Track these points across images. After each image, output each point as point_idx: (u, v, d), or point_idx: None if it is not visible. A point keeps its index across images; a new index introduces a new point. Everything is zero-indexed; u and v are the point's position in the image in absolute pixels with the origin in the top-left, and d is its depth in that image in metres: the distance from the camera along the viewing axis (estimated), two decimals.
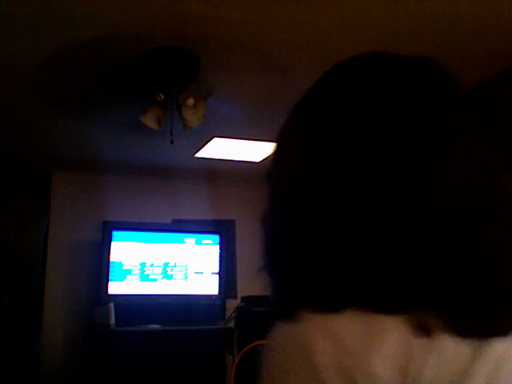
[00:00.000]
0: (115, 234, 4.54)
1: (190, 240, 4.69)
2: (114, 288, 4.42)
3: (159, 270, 4.57)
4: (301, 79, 3.06)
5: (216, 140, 4.06)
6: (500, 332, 0.47)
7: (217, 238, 4.68)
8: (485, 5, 2.32)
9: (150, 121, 2.92)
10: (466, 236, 0.50)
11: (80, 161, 4.67)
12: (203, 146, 4.24)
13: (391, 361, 0.45)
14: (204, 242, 4.68)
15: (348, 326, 0.47)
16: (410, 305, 0.47)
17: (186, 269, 4.63)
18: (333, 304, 0.48)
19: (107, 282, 4.41)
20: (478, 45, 2.68)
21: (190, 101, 2.77)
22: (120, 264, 4.49)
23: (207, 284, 4.60)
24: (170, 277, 4.59)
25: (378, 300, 0.48)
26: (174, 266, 4.61)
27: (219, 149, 4.28)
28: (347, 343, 0.46)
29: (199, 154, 4.43)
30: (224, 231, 4.73)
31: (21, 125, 3.77)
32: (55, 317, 4.63)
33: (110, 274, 4.43)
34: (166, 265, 4.60)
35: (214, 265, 4.64)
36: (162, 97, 2.80)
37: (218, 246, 4.67)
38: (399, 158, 0.52)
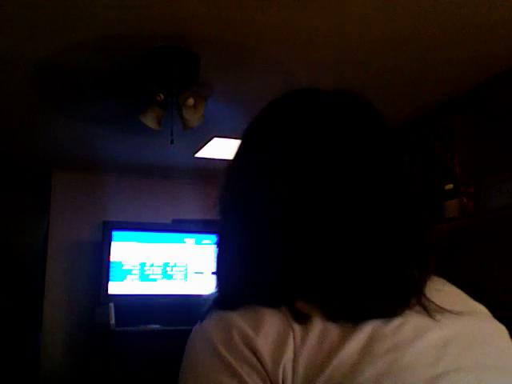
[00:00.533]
0: (115, 234, 4.54)
1: (189, 240, 4.69)
2: (114, 288, 4.42)
3: (159, 270, 4.57)
4: (301, 79, 3.06)
5: (216, 140, 4.06)
6: (375, 315, 0.54)
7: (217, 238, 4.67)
8: (485, 5, 2.32)
9: (150, 121, 2.92)
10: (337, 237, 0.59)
11: (80, 161, 4.67)
12: (203, 146, 4.24)
13: (270, 341, 0.54)
14: (204, 241, 4.68)
15: (237, 318, 0.57)
16: (293, 298, 0.57)
17: (186, 269, 4.63)
18: (231, 303, 0.60)
19: (107, 281, 4.41)
20: (478, 45, 2.68)
21: (190, 101, 2.77)
22: (120, 264, 4.49)
23: (207, 284, 4.60)
24: (169, 277, 4.59)
25: (263, 297, 0.58)
26: (174, 265, 4.61)
27: (219, 149, 4.27)
28: (235, 329, 0.56)
29: (199, 154, 4.42)
30: None
31: (21, 125, 3.77)
32: (55, 317, 4.63)
33: (110, 274, 4.43)
34: (166, 265, 4.60)
35: (214, 265, 4.63)
36: (162, 97, 2.80)
37: None
38: (325, 179, 0.60)
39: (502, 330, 0.61)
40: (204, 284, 4.60)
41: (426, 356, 0.53)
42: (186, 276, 4.62)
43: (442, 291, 0.62)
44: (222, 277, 0.69)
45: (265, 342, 0.54)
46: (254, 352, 0.54)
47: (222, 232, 0.71)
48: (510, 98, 2.95)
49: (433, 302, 0.58)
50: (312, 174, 0.61)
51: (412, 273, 0.60)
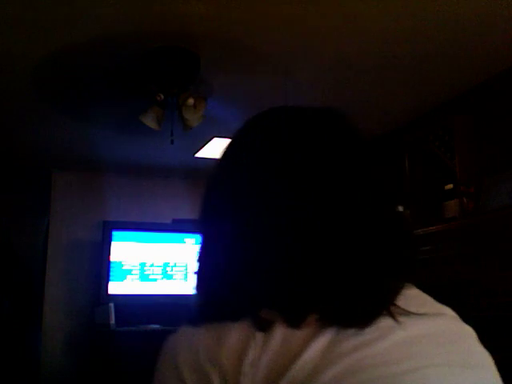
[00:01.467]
0: (115, 234, 4.54)
1: (189, 240, 4.69)
2: (114, 288, 4.42)
3: (159, 270, 4.57)
4: (301, 79, 3.06)
5: (216, 140, 4.06)
6: (338, 323, 0.55)
7: None
8: (485, 5, 2.32)
9: (150, 121, 2.92)
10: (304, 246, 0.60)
11: (80, 161, 4.67)
12: (203, 146, 4.24)
13: (232, 351, 0.57)
14: None
15: (200, 335, 0.62)
16: (258, 307, 0.59)
17: (186, 269, 4.63)
18: (196, 321, 0.65)
19: (107, 281, 4.41)
20: (478, 45, 2.68)
21: (190, 101, 2.77)
22: (120, 264, 4.49)
23: None
24: (170, 277, 4.59)
25: (225, 312, 0.61)
26: (174, 265, 4.61)
27: (219, 149, 4.26)
28: (199, 346, 0.61)
29: (199, 154, 4.43)
30: None
31: (21, 125, 3.77)
32: (55, 317, 4.63)
33: (110, 274, 4.43)
34: (166, 265, 4.60)
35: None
36: (162, 97, 2.80)
37: None
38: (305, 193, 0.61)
39: (468, 330, 0.60)
40: None
41: (389, 355, 0.53)
42: (185, 276, 4.62)
43: (407, 295, 0.60)
44: (200, 283, 0.70)
45: (227, 352, 0.58)
46: (217, 365, 0.57)
47: (205, 235, 0.71)
48: (510, 98, 2.95)
49: (398, 305, 0.58)
50: (290, 186, 0.62)
51: (387, 283, 0.60)
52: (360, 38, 2.60)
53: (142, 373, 4.31)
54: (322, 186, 0.61)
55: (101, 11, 2.34)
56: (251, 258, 0.61)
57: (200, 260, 0.69)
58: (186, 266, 4.63)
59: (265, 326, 0.57)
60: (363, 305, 0.56)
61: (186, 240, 4.69)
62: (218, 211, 0.67)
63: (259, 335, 0.57)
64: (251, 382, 0.54)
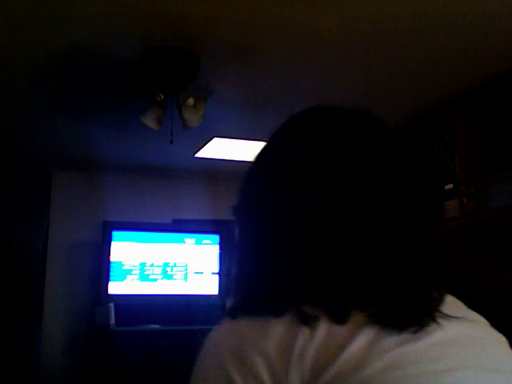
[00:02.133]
0: (115, 234, 4.54)
1: (189, 240, 4.69)
2: (114, 288, 4.42)
3: (159, 270, 4.57)
4: (301, 79, 3.06)
5: (216, 140, 4.06)
6: (385, 322, 0.58)
7: (217, 237, 4.68)
8: (484, 5, 2.32)
9: (150, 121, 2.92)
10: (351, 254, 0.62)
11: (80, 161, 4.67)
12: (203, 146, 4.24)
13: (280, 343, 0.59)
14: (204, 241, 4.68)
15: (244, 327, 0.63)
16: (300, 303, 0.61)
17: (186, 269, 4.63)
18: (237, 315, 0.66)
19: (107, 281, 4.41)
20: (478, 45, 2.68)
21: (190, 101, 2.77)
22: (120, 264, 4.49)
23: (207, 284, 4.60)
24: (170, 277, 4.59)
25: (268, 308, 0.63)
26: (174, 265, 4.61)
27: (219, 149, 4.27)
28: (244, 337, 0.61)
29: (199, 154, 4.42)
30: (224, 231, 4.73)
31: (21, 125, 3.77)
32: (55, 317, 4.63)
33: (110, 274, 4.43)
34: (166, 265, 4.60)
35: (214, 265, 4.64)
36: (162, 97, 2.80)
37: (217, 246, 4.67)
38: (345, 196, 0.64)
39: (501, 338, 0.64)
40: (204, 284, 4.60)
41: (430, 353, 0.56)
42: (185, 276, 4.62)
43: (445, 300, 0.65)
44: (241, 280, 0.72)
45: (274, 344, 0.58)
46: (264, 355, 0.58)
47: (244, 236, 0.73)
48: (510, 98, 2.95)
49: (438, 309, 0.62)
50: (330, 190, 0.64)
51: (428, 290, 0.64)
52: (360, 38, 2.60)
53: (142, 373, 4.33)
54: (363, 186, 0.64)
55: (101, 11, 2.34)
56: (294, 257, 0.63)
57: (242, 259, 0.71)
58: (186, 266, 4.63)
59: (310, 321, 0.59)
60: (412, 310, 0.59)
61: (186, 240, 4.69)
62: (257, 212, 0.69)
63: (304, 329, 0.59)
64: (299, 371, 0.56)
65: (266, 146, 0.75)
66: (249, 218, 0.71)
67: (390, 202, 0.68)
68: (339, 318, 0.58)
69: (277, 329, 0.60)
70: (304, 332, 0.58)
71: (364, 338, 0.56)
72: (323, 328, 0.58)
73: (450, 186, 3.26)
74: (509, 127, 2.95)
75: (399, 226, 0.66)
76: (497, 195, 2.88)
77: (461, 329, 0.60)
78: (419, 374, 0.54)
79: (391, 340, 0.56)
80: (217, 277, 4.61)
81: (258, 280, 0.67)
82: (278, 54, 2.76)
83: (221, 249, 4.67)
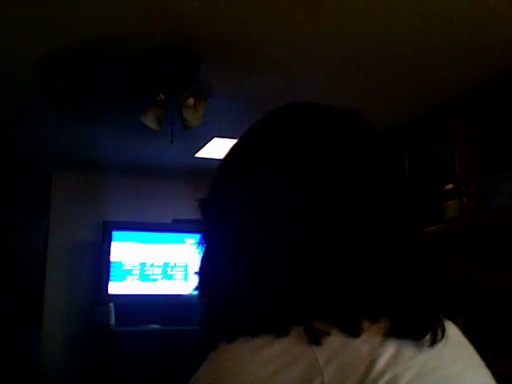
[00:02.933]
0: (115, 234, 4.54)
1: (190, 240, 4.68)
2: (114, 288, 4.42)
3: (159, 270, 4.57)
4: (301, 79, 3.06)
5: (216, 140, 4.06)
6: (400, 333, 0.55)
7: None
8: (484, 5, 2.32)
9: (150, 121, 2.92)
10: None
11: (80, 161, 4.67)
12: (203, 146, 4.24)
13: (276, 363, 0.51)
14: None
15: (251, 361, 0.53)
16: (308, 318, 0.54)
17: (186, 269, 4.63)
18: (238, 330, 0.56)
19: (107, 281, 4.41)
20: (478, 45, 2.68)
21: (190, 101, 2.77)
22: (120, 264, 4.49)
23: None
24: (170, 277, 4.59)
25: (270, 326, 0.55)
26: (174, 265, 4.61)
27: (219, 149, 4.27)
28: (242, 363, 0.53)
29: (199, 154, 4.42)
30: None
31: (21, 125, 3.77)
32: (55, 317, 4.63)
33: (110, 274, 4.43)
34: (166, 265, 4.60)
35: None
36: (162, 97, 2.80)
37: None
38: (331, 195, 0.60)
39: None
40: None
41: (443, 357, 0.57)
42: (185, 276, 4.62)
43: None
44: (223, 291, 0.62)
45: (289, 372, 0.51)
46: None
47: (216, 235, 0.66)
48: (510, 98, 2.95)
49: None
50: (315, 185, 0.60)
51: (433, 294, 0.63)
52: (360, 38, 2.60)
53: (142, 373, 4.33)
54: (359, 189, 0.61)
55: (101, 11, 2.34)
56: (295, 271, 0.57)
57: (234, 272, 0.61)
58: (186, 266, 4.63)
59: (320, 337, 0.53)
60: (425, 317, 0.58)
61: (186, 240, 4.68)
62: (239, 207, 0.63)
63: (316, 348, 0.52)
64: None
65: (247, 139, 0.70)
66: (229, 216, 0.63)
67: (390, 202, 0.65)
68: (353, 331, 0.54)
69: (285, 349, 0.53)
70: (321, 360, 0.51)
71: (389, 350, 0.54)
72: (337, 344, 0.53)
73: (450, 186, 3.26)
74: (509, 127, 2.94)
75: (400, 228, 0.64)
76: (497, 195, 2.88)
77: (451, 329, 0.61)
78: (442, 378, 0.55)
79: (412, 349, 0.55)
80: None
81: (251, 292, 0.58)
82: (278, 53, 2.76)
83: None
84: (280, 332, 0.53)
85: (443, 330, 0.58)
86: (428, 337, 0.56)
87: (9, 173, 5.04)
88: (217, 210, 0.66)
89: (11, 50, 2.68)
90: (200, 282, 0.66)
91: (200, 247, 0.67)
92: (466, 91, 3.22)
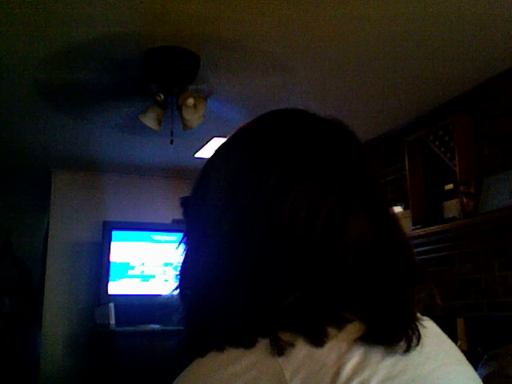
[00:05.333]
0: (115, 233, 4.54)
1: None
2: (114, 288, 4.42)
3: (159, 270, 4.57)
4: (301, 79, 3.06)
5: (216, 140, 4.06)
6: (371, 340, 0.54)
7: None
8: (484, 5, 2.32)
9: (150, 121, 2.92)
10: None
11: (80, 160, 4.67)
12: (203, 146, 4.24)
13: (242, 379, 0.51)
14: None
15: (208, 368, 0.54)
16: (275, 328, 0.54)
17: None
18: (202, 349, 0.56)
19: (107, 281, 4.41)
20: (478, 45, 2.68)
21: (190, 101, 2.77)
22: (120, 264, 4.49)
23: None
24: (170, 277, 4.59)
25: (233, 337, 0.54)
26: (174, 266, 4.61)
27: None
28: (209, 380, 0.52)
29: (199, 154, 4.43)
30: None
31: (21, 124, 3.77)
32: (55, 317, 4.63)
33: (110, 274, 4.43)
34: (166, 265, 4.60)
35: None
36: (162, 97, 2.80)
37: None
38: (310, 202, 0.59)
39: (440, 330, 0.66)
40: None
41: (414, 358, 0.56)
42: None
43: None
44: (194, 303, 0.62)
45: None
46: None
47: (196, 236, 0.65)
48: (510, 98, 2.95)
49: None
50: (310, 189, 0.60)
51: (411, 297, 0.60)
52: (360, 39, 2.60)
53: (142, 373, 4.33)
54: (336, 196, 0.60)
55: (101, 11, 2.34)
56: (259, 282, 0.57)
57: (201, 279, 0.61)
58: None
59: (285, 349, 0.52)
60: (396, 322, 0.57)
61: None
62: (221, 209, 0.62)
63: (281, 359, 0.52)
64: None
65: (237, 139, 0.70)
66: (209, 216, 0.63)
67: (379, 211, 0.63)
68: (318, 339, 0.53)
69: (250, 361, 0.52)
70: (282, 363, 0.51)
71: (355, 356, 0.52)
72: (303, 353, 0.52)
73: (450, 186, 3.26)
74: (509, 127, 2.95)
75: (379, 231, 0.61)
76: (497, 195, 2.88)
77: (425, 330, 0.59)
78: (411, 379, 0.54)
79: (380, 353, 0.54)
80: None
81: (218, 303, 0.58)
82: (277, 53, 2.76)
83: None
84: (246, 344, 0.53)
85: (418, 337, 0.56)
86: (402, 344, 0.55)
87: (9, 172, 5.04)
88: (194, 211, 0.66)
89: (11, 50, 2.68)
90: (182, 281, 0.65)
91: (180, 247, 0.67)
92: (465, 91, 3.22)
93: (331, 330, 0.54)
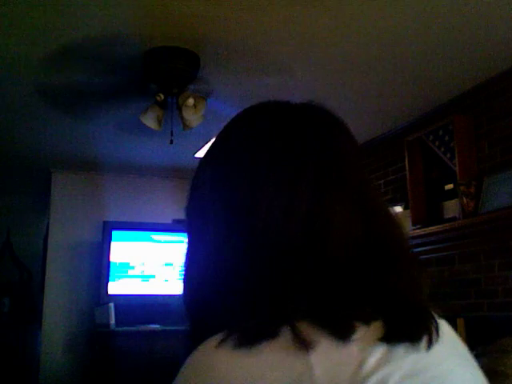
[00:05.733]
0: (115, 233, 4.54)
1: None
2: (114, 288, 4.42)
3: (159, 270, 4.57)
4: (301, 79, 3.06)
5: None
6: (392, 338, 0.54)
7: None
8: (484, 5, 2.32)
9: (150, 121, 2.92)
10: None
11: (80, 161, 4.67)
12: (203, 146, 4.24)
13: (278, 375, 0.49)
14: None
15: (231, 367, 0.51)
16: (294, 319, 0.53)
17: None
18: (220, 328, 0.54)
19: (107, 282, 4.41)
20: (478, 45, 2.68)
21: (190, 101, 2.77)
22: (120, 264, 4.49)
23: None
24: (170, 277, 4.59)
25: (260, 318, 0.54)
26: (174, 266, 4.61)
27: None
28: (232, 365, 0.51)
29: (199, 154, 4.43)
30: None
31: (21, 125, 3.77)
32: (55, 317, 4.63)
33: (110, 274, 4.43)
34: (166, 265, 4.60)
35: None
36: (162, 97, 2.80)
37: None
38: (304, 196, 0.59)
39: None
40: None
41: (431, 357, 0.56)
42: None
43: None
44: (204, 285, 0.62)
45: (273, 377, 0.50)
46: None
47: (202, 232, 0.66)
48: (510, 98, 2.95)
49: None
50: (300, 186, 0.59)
51: (423, 296, 0.62)
52: (360, 38, 2.60)
53: (142, 373, 4.33)
54: (335, 186, 0.60)
55: (101, 11, 2.34)
56: (285, 274, 0.56)
57: (218, 276, 0.60)
58: None
59: (309, 343, 0.51)
60: (418, 319, 0.57)
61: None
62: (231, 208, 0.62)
63: (303, 354, 0.51)
64: None
65: (224, 137, 0.70)
66: (217, 216, 0.63)
67: (373, 201, 0.62)
68: (345, 333, 0.53)
69: (274, 356, 0.51)
70: (304, 359, 0.51)
71: (380, 350, 0.53)
72: (328, 346, 0.52)
73: (450, 185, 3.26)
74: (509, 127, 2.95)
75: (389, 226, 0.62)
76: (497, 195, 2.88)
77: (444, 327, 0.60)
78: (432, 377, 0.54)
79: (403, 348, 0.54)
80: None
81: (240, 296, 0.57)
82: (278, 53, 2.76)
83: None
84: (269, 335, 0.52)
85: (438, 332, 0.57)
86: (424, 340, 0.55)
87: (9, 173, 5.04)
88: (196, 213, 0.67)
89: (11, 50, 2.68)
90: (186, 286, 0.65)
91: (185, 251, 0.67)
92: (466, 91, 3.22)
93: (358, 325, 0.54)
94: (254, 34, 2.56)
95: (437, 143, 3.29)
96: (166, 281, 4.56)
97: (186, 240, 0.68)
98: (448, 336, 0.61)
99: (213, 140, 0.70)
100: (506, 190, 2.83)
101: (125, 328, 4.21)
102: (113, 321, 4.18)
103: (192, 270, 0.64)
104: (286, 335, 0.52)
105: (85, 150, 4.37)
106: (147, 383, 4.00)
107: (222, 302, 0.58)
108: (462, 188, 3.03)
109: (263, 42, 2.63)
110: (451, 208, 3.22)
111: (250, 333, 0.52)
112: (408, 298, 0.58)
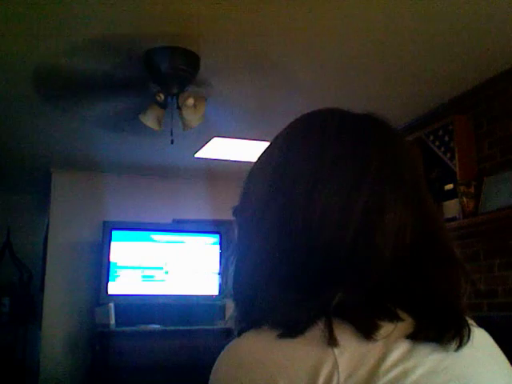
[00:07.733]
0: (115, 233, 4.54)
1: (190, 239, 4.69)
2: (114, 288, 4.42)
3: (159, 270, 4.57)
4: (301, 79, 3.06)
5: (216, 140, 4.06)
6: (423, 337, 0.56)
7: (217, 237, 4.68)
8: (484, 5, 2.32)
9: (150, 121, 2.92)
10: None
11: (80, 161, 4.67)
12: (203, 146, 4.24)
13: (306, 368, 0.52)
14: (204, 241, 4.68)
15: (269, 347, 0.56)
16: (329, 316, 0.55)
17: (186, 269, 4.63)
18: (258, 321, 0.59)
19: (107, 281, 4.41)
20: (478, 45, 2.68)
21: (190, 101, 2.77)
22: (120, 264, 4.49)
23: (207, 284, 4.60)
24: (169, 277, 4.59)
25: (287, 324, 0.56)
26: (174, 266, 4.61)
27: (219, 149, 4.27)
28: (269, 362, 0.54)
29: (199, 154, 4.43)
30: (224, 231, 4.73)
31: (21, 125, 3.77)
32: (55, 317, 4.63)
33: (110, 274, 4.43)
34: (166, 265, 4.60)
35: (214, 265, 4.64)
36: (162, 97, 2.80)
37: (218, 246, 4.67)
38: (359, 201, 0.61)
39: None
40: (204, 284, 4.60)
41: (460, 358, 0.57)
42: (185, 276, 4.62)
43: None
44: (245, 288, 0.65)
45: (301, 370, 0.53)
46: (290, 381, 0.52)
47: (248, 233, 0.68)
48: (510, 98, 2.95)
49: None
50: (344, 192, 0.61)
51: (458, 298, 0.63)
52: (360, 39, 2.60)
53: (142, 373, 4.32)
54: (386, 191, 0.62)
55: (101, 11, 2.34)
56: (318, 271, 0.59)
57: (261, 273, 0.63)
58: (186, 266, 4.63)
59: (336, 339, 0.54)
60: (446, 320, 0.59)
61: (186, 240, 4.69)
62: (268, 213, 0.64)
63: (330, 350, 0.53)
64: None
65: (273, 146, 0.72)
66: (256, 220, 0.65)
67: (425, 204, 0.64)
68: (370, 333, 0.54)
69: (303, 351, 0.54)
70: (330, 354, 0.53)
71: (403, 346, 0.54)
72: (351, 346, 0.54)
73: (450, 186, 3.26)
74: (509, 127, 2.95)
75: (429, 226, 0.63)
76: (497, 195, 2.88)
77: (481, 335, 0.61)
78: (457, 377, 0.55)
79: (429, 348, 0.55)
80: (217, 277, 4.61)
81: (277, 290, 0.60)
82: (278, 53, 2.76)
83: (221, 249, 4.67)
84: (300, 329, 0.55)
85: (469, 337, 0.58)
86: (454, 343, 0.56)
87: (9, 172, 5.04)
88: (244, 215, 0.68)
89: (11, 51, 2.68)
90: (233, 283, 0.67)
91: (233, 251, 0.69)
92: (466, 91, 3.22)
93: (385, 325, 0.55)
94: (254, 34, 2.56)
95: (437, 143, 3.29)
96: (165, 280, 4.56)
97: (237, 236, 0.69)
98: (485, 343, 0.62)
99: (273, 139, 0.72)
100: (506, 189, 2.83)
101: (125, 328, 4.21)
102: (113, 321, 4.18)
103: (244, 264, 0.66)
104: (316, 330, 0.54)
105: (85, 149, 4.37)
106: (147, 383, 4.00)
107: (267, 294, 0.60)
108: (462, 188, 3.03)
109: (263, 42, 2.63)
110: (451, 208, 3.22)
111: (288, 326, 0.55)
112: (445, 303, 0.60)
